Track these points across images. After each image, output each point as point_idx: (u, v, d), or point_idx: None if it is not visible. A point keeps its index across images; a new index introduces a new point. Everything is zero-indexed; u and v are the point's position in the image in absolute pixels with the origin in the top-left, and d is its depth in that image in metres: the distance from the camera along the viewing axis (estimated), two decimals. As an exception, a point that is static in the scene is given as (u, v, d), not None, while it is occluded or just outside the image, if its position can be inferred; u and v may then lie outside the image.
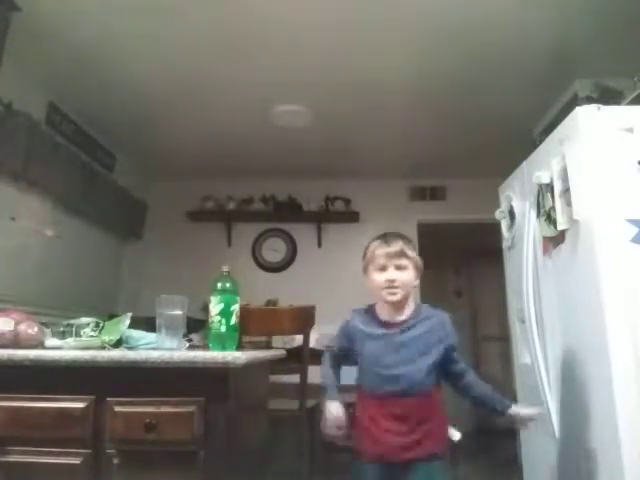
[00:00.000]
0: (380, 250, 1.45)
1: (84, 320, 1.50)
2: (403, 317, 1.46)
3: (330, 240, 4.22)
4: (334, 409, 1.46)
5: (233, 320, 1.43)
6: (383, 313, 1.48)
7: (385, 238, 1.47)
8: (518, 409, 1.47)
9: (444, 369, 1.48)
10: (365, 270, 1.51)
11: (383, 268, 1.44)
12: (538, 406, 1.48)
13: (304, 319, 2.32)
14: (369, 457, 1.44)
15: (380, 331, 1.46)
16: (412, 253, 1.46)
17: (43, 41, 2.39)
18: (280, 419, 2.14)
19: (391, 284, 1.41)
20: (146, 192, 4.13)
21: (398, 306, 1.45)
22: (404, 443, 1.39)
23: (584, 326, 1.56)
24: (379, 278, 1.44)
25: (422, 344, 1.43)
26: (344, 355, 1.54)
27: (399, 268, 1.43)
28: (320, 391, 1.57)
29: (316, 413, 2.36)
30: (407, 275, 1.43)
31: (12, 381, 1.26)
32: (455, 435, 1.57)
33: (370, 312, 1.51)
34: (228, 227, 4.22)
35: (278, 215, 4.18)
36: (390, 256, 1.43)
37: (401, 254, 1.43)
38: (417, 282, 1.49)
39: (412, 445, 1.40)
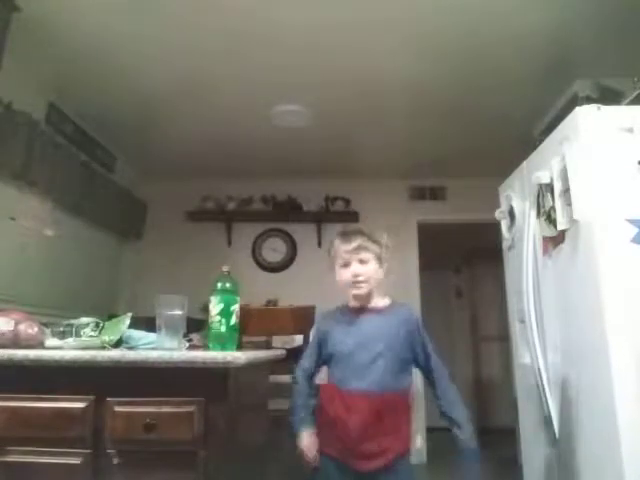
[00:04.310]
0: (342, 247, 1.50)
1: (84, 320, 1.50)
2: (372, 305, 1.52)
3: (330, 240, 4.21)
4: (305, 439, 1.47)
5: (233, 320, 1.43)
6: (352, 303, 1.54)
7: (346, 235, 1.53)
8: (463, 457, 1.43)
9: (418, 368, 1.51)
10: (332, 267, 1.56)
11: (347, 264, 1.49)
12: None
13: (304, 319, 2.32)
14: (331, 457, 1.44)
15: (350, 317, 1.51)
16: (373, 246, 1.50)
17: (43, 41, 2.39)
18: (280, 419, 2.14)
19: (356, 278, 1.47)
20: (146, 192, 4.13)
21: (365, 299, 1.51)
22: (369, 449, 1.38)
23: (584, 326, 1.56)
24: (345, 274, 1.49)
25: (391, 339, 1.46)
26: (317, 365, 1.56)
27: (362, 262, 1.48)
28: (290, 420, 1.56)
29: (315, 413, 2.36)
30: (370, 268, 1.48)
31: (12, 381, 1.26)
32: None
33: (340, 309, 1.57)
34: (228, 227, 4.22)
35: (278, 215, 4.18)
36: (351, 252, 1.48)
37: (361, 248, 1.48)
38: (382, 273, 1.53)
39: (377, 452, 1.38)
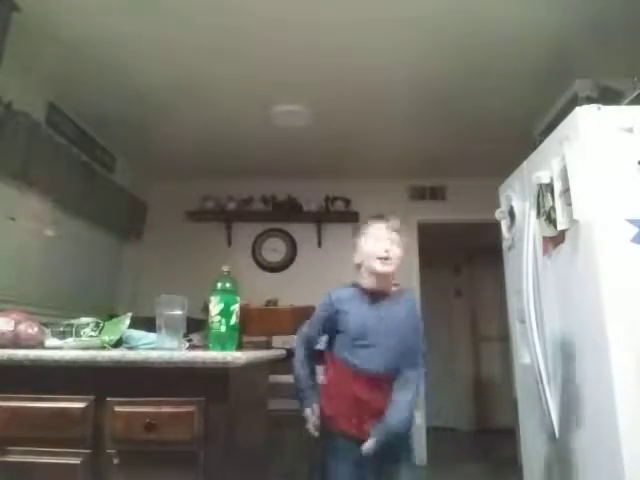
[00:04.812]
0: (376, 224, 1.52)
1: (84, 320, 1.50)
2: (389, 288, 1.54)
3: (330, 240, 4.22)
4: (309, 414, 1.54)
5: (233, 320, 1.43)
6: (369, 283, 1.53)
7: (382, 217, 1.54)
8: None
9: None
10: (356, 245, 1.56)
11: (379, 239, 1.49)
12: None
13: (304, 319, 2.32)
14: (340, 434, 1.50)
15: (368, 300, 1.52)
16: (403, 234, 1.53)
17: (43, 41, 2.38)
18: (280, 419, 2.14)
19: (387, 254, 1.47)
20: (146, 192, 4.13)
21: (387, 281, 1.52)
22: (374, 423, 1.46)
23: (584, 326, 1.56)
24: (375, 247, 1.48)
25: (402, 326, 1.51)
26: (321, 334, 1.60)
27: (392, 242, 1.49)
28: (295, 390, 1.60)
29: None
30: (398, 251, 1.49)
31: (12, 381, 1.26)
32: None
33: (356, 288, 1.57)
34: (228, 227, 4.22)
35: (278, 215, 4.18)
36: (389, 229, 1.49)
37: (398, 230, 1.50)
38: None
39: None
